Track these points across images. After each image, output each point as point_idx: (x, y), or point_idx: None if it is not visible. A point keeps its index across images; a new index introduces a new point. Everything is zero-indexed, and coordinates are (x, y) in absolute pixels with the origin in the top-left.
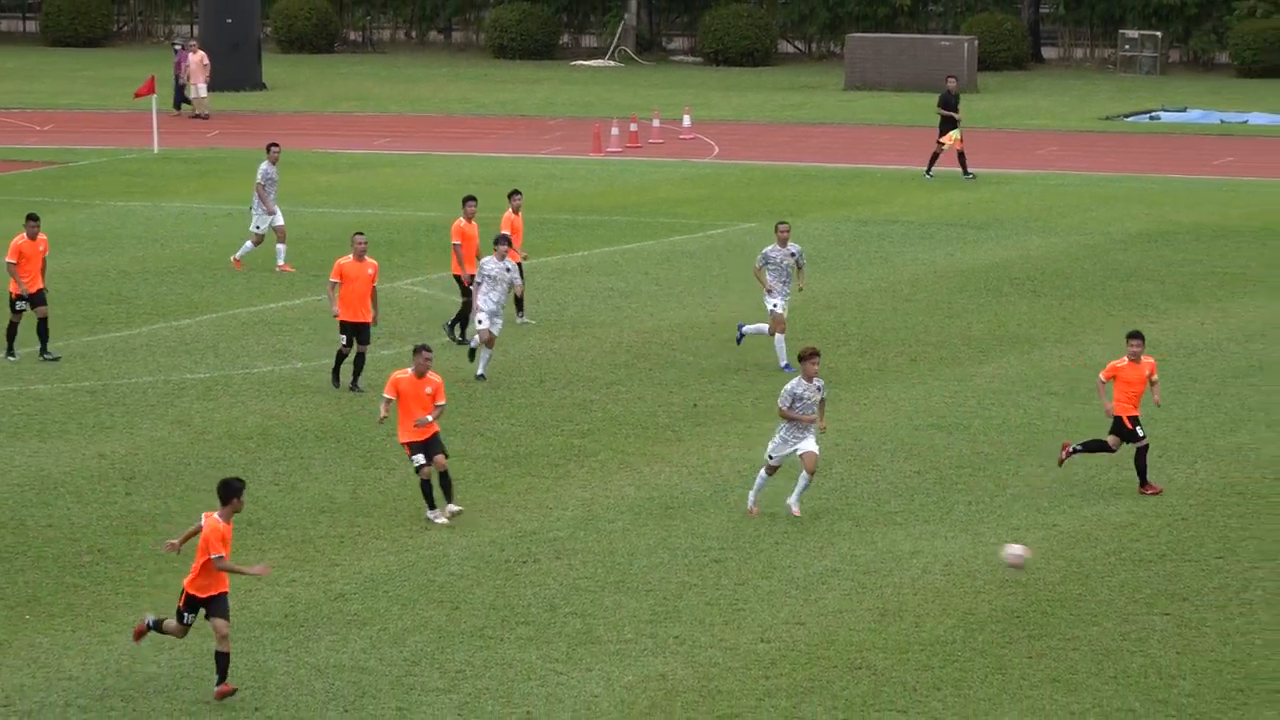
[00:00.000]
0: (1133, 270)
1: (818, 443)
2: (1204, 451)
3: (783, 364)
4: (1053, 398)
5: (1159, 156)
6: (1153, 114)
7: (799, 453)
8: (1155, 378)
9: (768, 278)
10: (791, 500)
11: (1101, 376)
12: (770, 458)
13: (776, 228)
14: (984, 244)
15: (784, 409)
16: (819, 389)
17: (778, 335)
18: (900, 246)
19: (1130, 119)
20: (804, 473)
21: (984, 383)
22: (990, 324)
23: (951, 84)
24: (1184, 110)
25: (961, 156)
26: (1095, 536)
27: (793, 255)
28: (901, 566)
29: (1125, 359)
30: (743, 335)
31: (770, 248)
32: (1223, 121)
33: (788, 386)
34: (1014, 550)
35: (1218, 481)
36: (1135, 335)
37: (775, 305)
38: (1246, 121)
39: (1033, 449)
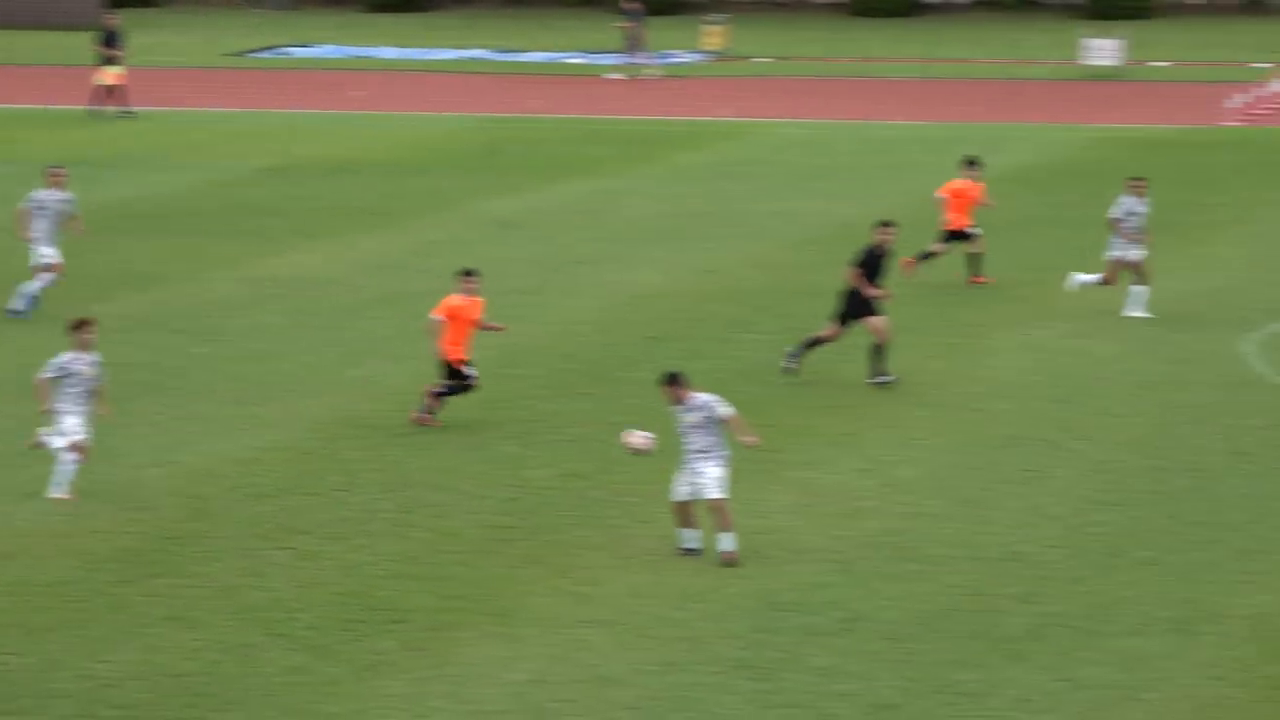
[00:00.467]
0: (259, 206)
1: None
2: (327, 385)
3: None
4: (177, 335)
5: (286, 92)
6: (282, 49)
7: None
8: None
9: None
10: None
11: (435, 315)
12: None
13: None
14: (108, 183)
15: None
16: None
17: None
18: (20, 187)
19: (258, 54)
20: None
21: (108, 322)
22: (114, 262)
23: (113, 21)
24: (313, 46)
25: (118, 92)
26: (217, 472)
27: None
28: (20, 508)
29: (460, 296)
30: None
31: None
32: (353, 57)
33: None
34: (636, 442)
35: (341, 414)
36: (469, 273)
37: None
38: (374, 57)
39: (155, 387)
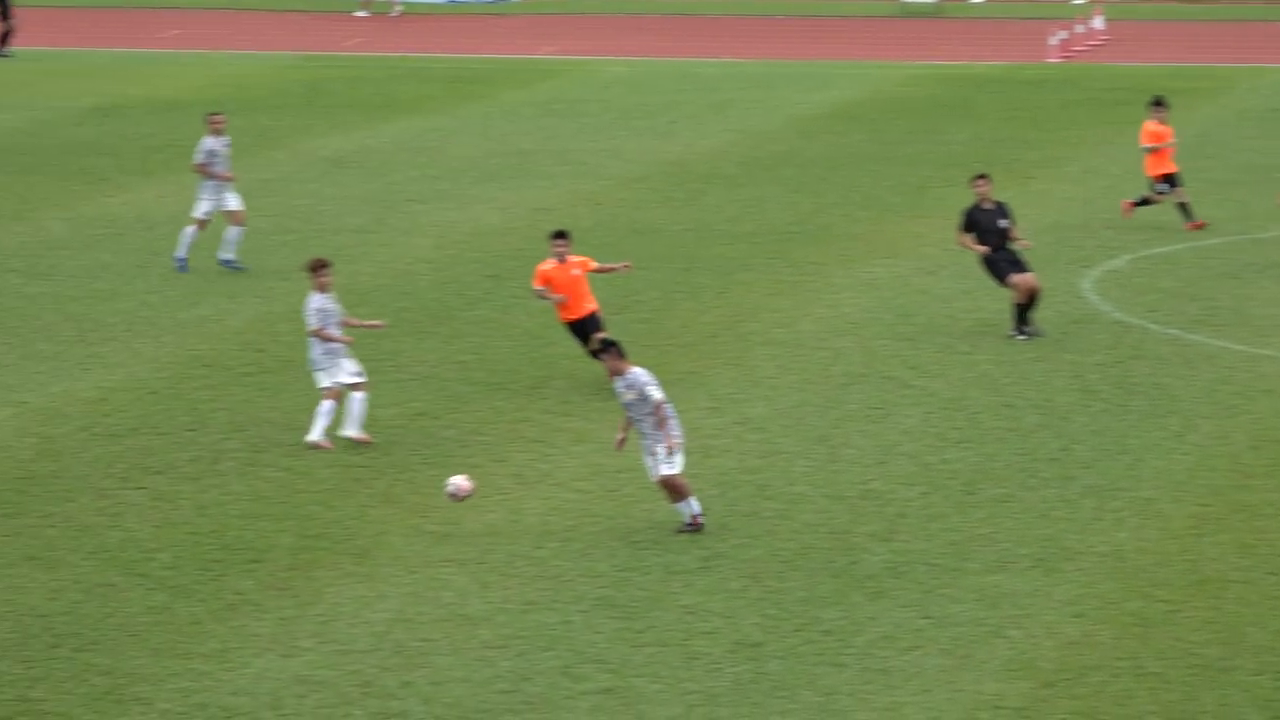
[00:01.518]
0: (89, 145)
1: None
2: (169, 324)
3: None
4: (13, 274)
5: (103, 30)
6: None
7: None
8: (594, 267)
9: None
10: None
11: (536, 285)
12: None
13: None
14: None
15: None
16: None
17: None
18: None
19: None
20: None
21: None
22: None
23: None
24: None
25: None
26: (65, 413)
27: (227, 146)
28: None
29: (552, 261)
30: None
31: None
32: None
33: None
34: (456, 487)
35: (185, 354)
36: (561, 235)
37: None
38: None
39: None
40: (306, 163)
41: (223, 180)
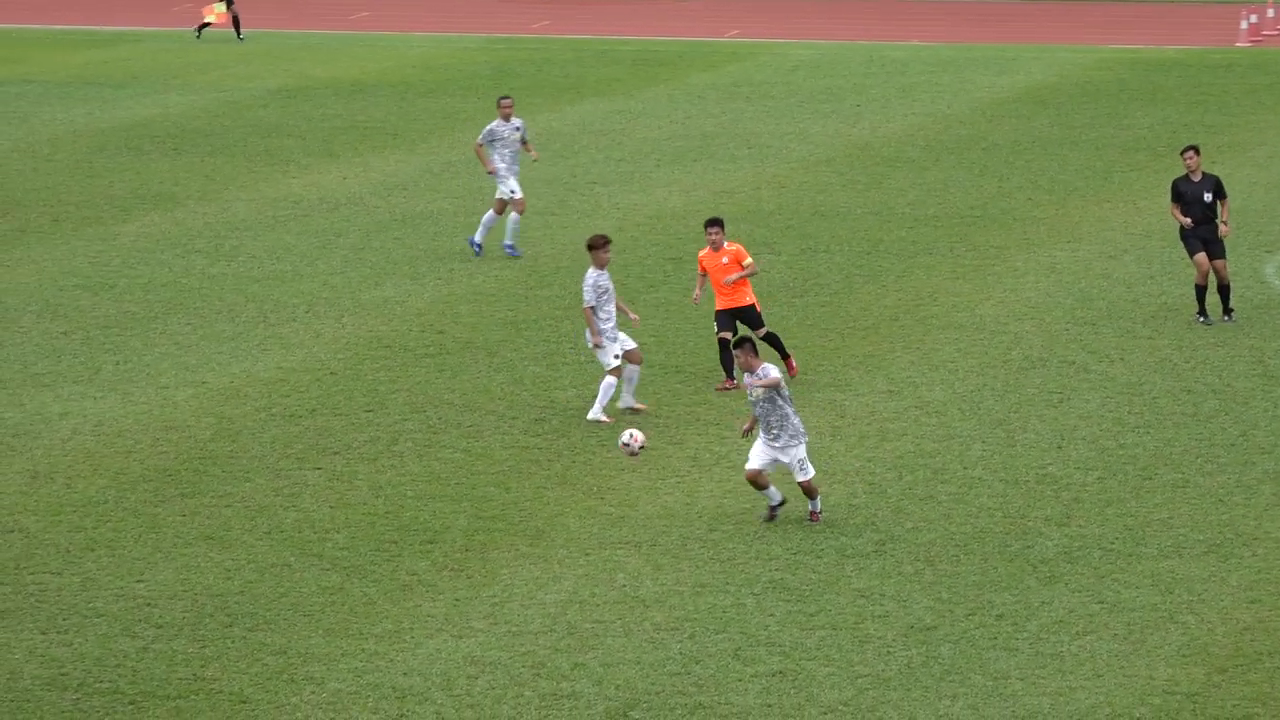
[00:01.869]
0: (274, 126)
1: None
2: (350, 306)
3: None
4: (198, 255)
5: (291, 12)
6: None
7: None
8: (746, 262)
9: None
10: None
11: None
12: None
13: (500, 101)
14: (123, 102)
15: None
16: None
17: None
18: (38, 106)
19: None
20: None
21: (128, 241)
22: (132, 183)
23: None
24: None
25: (236, 20)
26: (245, 393)
27: (518, 130)
28: (51, 428)
29: (706, 248)
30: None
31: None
32: None
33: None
34: (630, 436)
35: (365, 335)
36: (714, 222)
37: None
38: None
39: (179, 306)
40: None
41: (513, 164)
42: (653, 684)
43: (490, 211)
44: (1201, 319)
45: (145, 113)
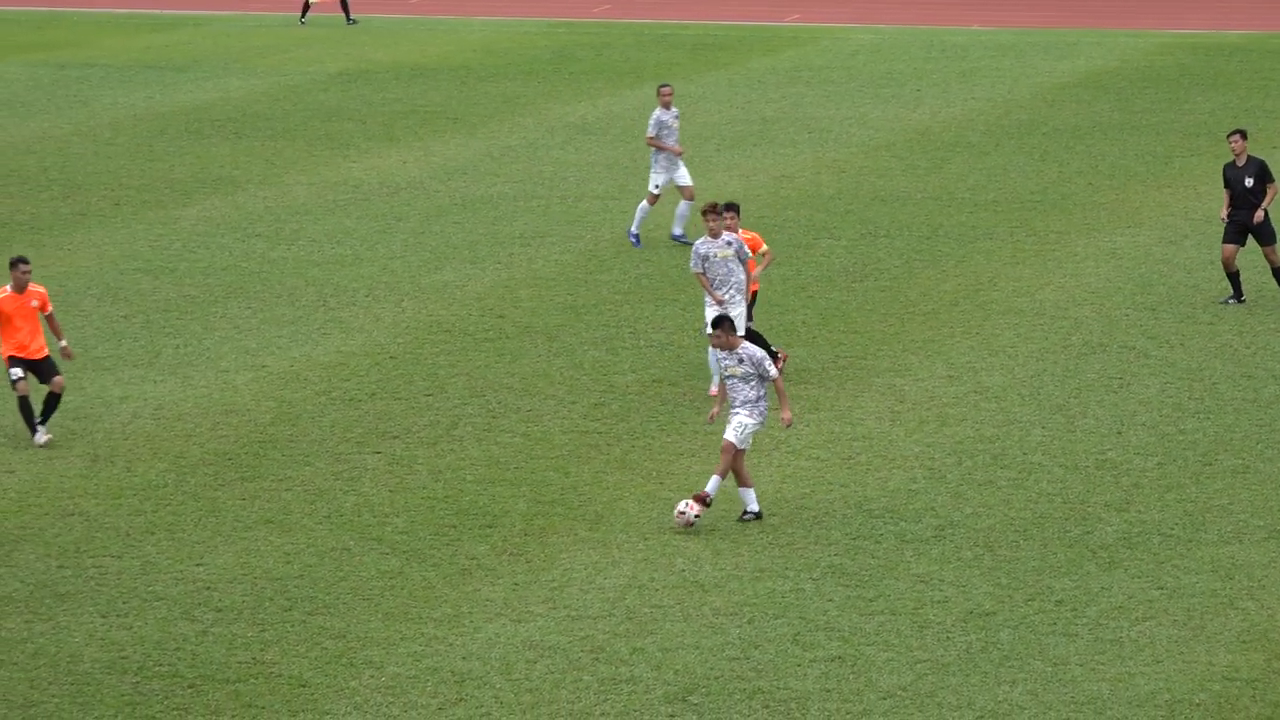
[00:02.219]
0: (334, 110)
1: None
2: (410, 290)
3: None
4: (258, 239)
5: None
6: None
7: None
8: (764, 249)
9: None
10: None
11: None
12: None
13: (660, 90)
14: (184, 86)
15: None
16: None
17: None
18: (99, 90)
19: None
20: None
21: (189, 225)
22: (193, 167)
23: None
24: None
25: (344, 3)
26: (305, 377)
27: (677, 118)
28: (111, 411)
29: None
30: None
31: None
32: None
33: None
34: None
35: (425, 319)
36: (729, 207)
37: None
38: None
39: (239, 290)
40: (552, 129)
41: (673, 153)
42: (711, 669)
43: (644, 203)
44: (1231, 300)
45: (206, 96)
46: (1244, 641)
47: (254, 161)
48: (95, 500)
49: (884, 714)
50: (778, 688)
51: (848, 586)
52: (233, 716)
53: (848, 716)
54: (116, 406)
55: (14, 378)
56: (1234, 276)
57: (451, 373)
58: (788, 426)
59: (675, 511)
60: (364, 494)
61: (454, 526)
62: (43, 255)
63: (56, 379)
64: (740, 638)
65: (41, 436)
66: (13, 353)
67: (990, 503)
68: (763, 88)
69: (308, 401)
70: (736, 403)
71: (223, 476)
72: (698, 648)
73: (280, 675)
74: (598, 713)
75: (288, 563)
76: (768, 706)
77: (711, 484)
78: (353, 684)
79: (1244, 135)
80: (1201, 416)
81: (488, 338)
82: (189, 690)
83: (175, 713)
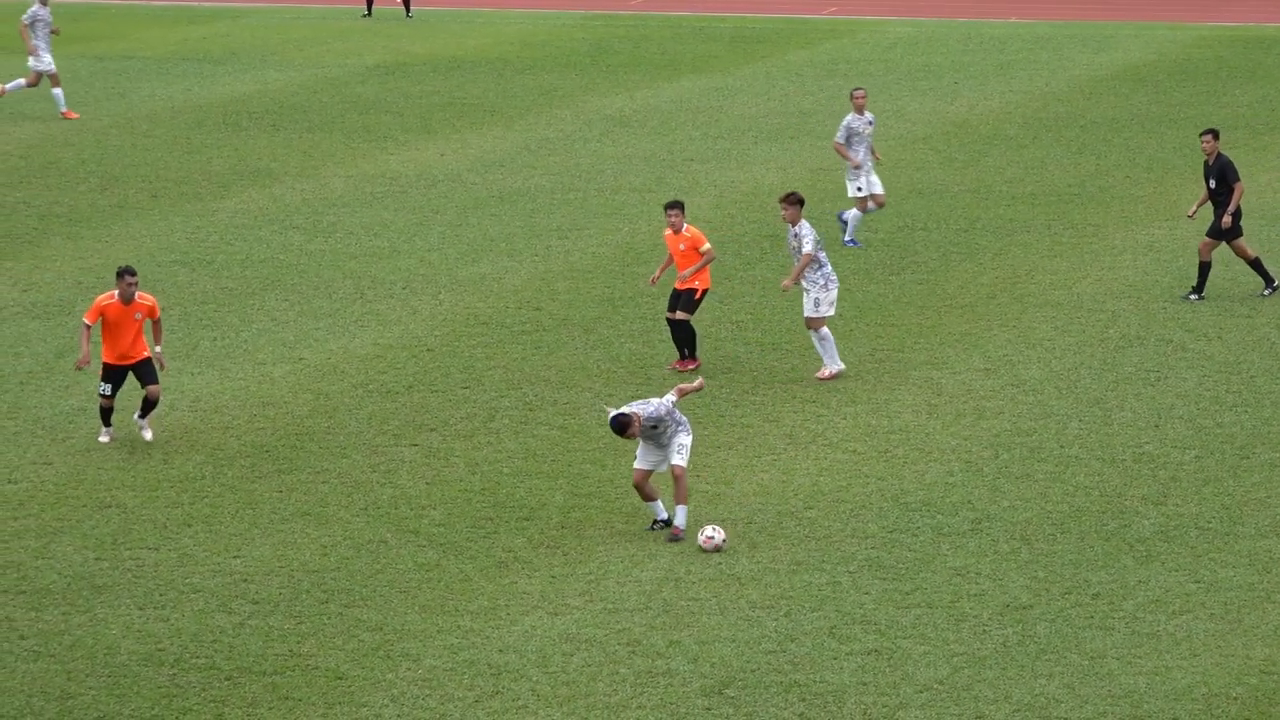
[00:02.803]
0: (371, 103)
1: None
2: (447, 282)
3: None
4: (295, 231)
5: None
6: None
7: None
8: (704, 248)
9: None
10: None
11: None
12: None
13: (853, 93)
14: (222, 78)
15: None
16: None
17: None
18: (137, 82)
19: None
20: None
21: (226, 218)
22: (230, 159)
23: None
24: None
25: None
26: (342, 369)
27: (870, 124)
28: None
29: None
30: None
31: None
32: None
33: None
34: (712, 538)
35: (462, 312)
36: (673, 205)
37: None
38: None
39: (276, 283)
40: (589, 121)
41: (851, 165)
42: (748, 662)
43: (854, 210)
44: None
45: (244, 89)
46: None
47: (291, 154)
48: (132, 492)
49: (920, 707)
50: (814, 681)
51: (884, 580)
52: (269, 709)
53: (884, 710)
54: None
55: (102, 392)
56: (1203, 269)
57: (488, 365)
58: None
59: (704, 538)
60: (401, 486)
61: (491, 519)
62: (80, 247)
63: (153, 388)
64: (777, 631)
65: (146, 432)
66: (112, 360)
67: (1027, 496)
68: (800, 80)
69: (345, 394)
70: (666, 438)
71: (260, 469)
72: (734, 641)
73: (317, 668)
74: (634, 705)
75: (324, 555)
76: (804, 700)
77: (680, 517)
78: (389, 676)
79: (1215, 135)
80: (1239, 410)
81: (524, 330)
82: (226, 682)
83: (212, 705)
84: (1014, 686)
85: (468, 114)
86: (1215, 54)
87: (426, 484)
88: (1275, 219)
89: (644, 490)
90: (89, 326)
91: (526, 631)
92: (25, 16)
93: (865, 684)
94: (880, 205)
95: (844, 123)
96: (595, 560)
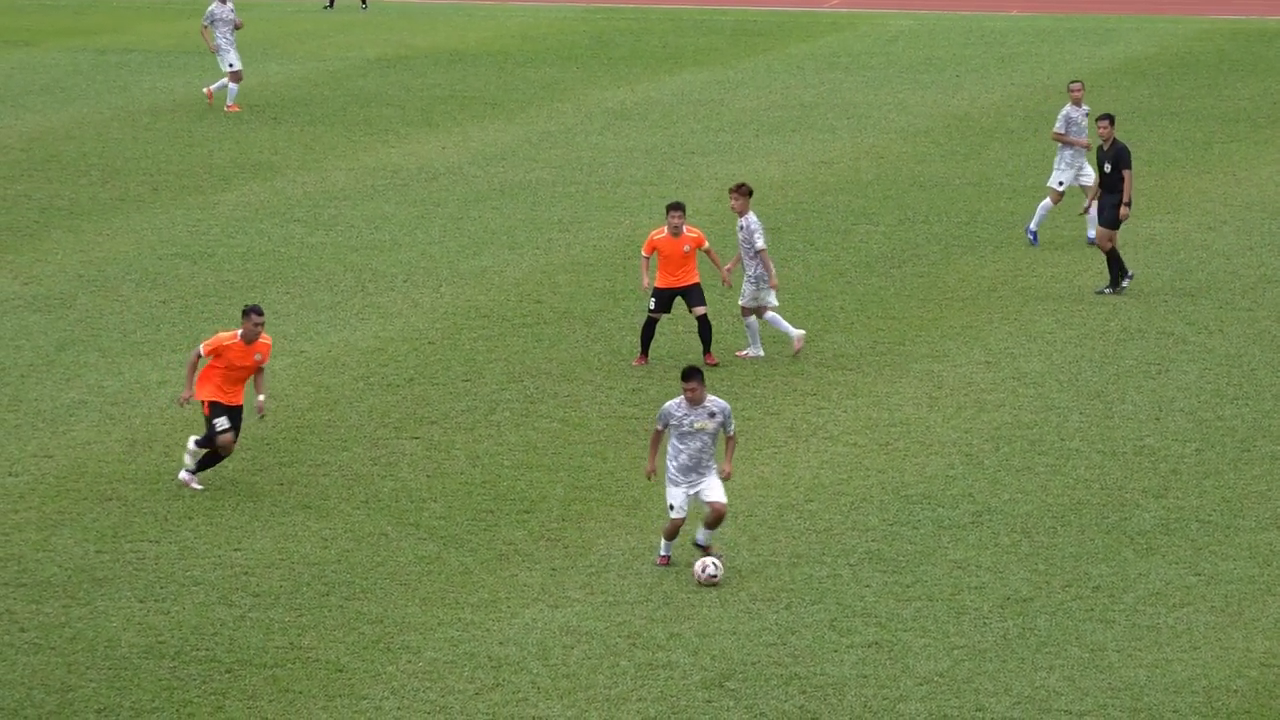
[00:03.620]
0: (373, 96)
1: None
2: (448, 275)
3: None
4: (296, 224)
5: None
6: None
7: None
8: (707, 247)
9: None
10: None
11: (643, 252)
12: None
13: (1069, 86)
14: (221, 72)
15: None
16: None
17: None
18: (139, 75)
19: None
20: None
21: (227, 211)
22: (232, 152)
23: None
24: None
25: None
26: (343, 362)
27: (1086, 115)
28: (150, 396)
29: (664, 231)
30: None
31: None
32: None
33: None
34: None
35: (463, 305)
36: (676, 206)
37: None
38: None
39: (277, 276)
40: (590, 114)
41: (1080, 149)
42: (748, 654)
43: (1048, 200)
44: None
45: (245, 82)
46: None
47: (293, 147)
48: (133, 485)
49: (920, 700)
50: (814, 673)
51: (885, 572)
52: (270, 701)
53: (884, 702)
54: (155, 391)
55: (219, 428)
56: (1112, 257)
57: (489, 358)
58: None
59: (705, 575)
60: (401, 479)
61: (491, 512)
62: (82, 240)
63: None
64: (777, 623)
65: (190, 479)
66: (216, 398)
67: (1028, 489)
68: (802, 73)
69: (345, 387)
70: (705, 461)
71: (260, 461)
72: (735, 633)
73: (317, 660)
74: (634, 698)
75: (325, 548)
76: (804, 692)
77: (701, 534)
78: (390, 669)
79: (1112, 120)
80: (1240, 403)
81: (526, 323)
82: (226, 675)
83: (212, 697)
84: (1014, 679)
85: (469, 107)
86: (1216, 47)
87: (427, 477)
88: (1277, 212)
89: (673, 532)
90: (199, 358)
91: (527, 624)
92: (204, 17)
93: (866, 676)
94: (1056, 202)
95: (1062, 113)
96: (596, 553)
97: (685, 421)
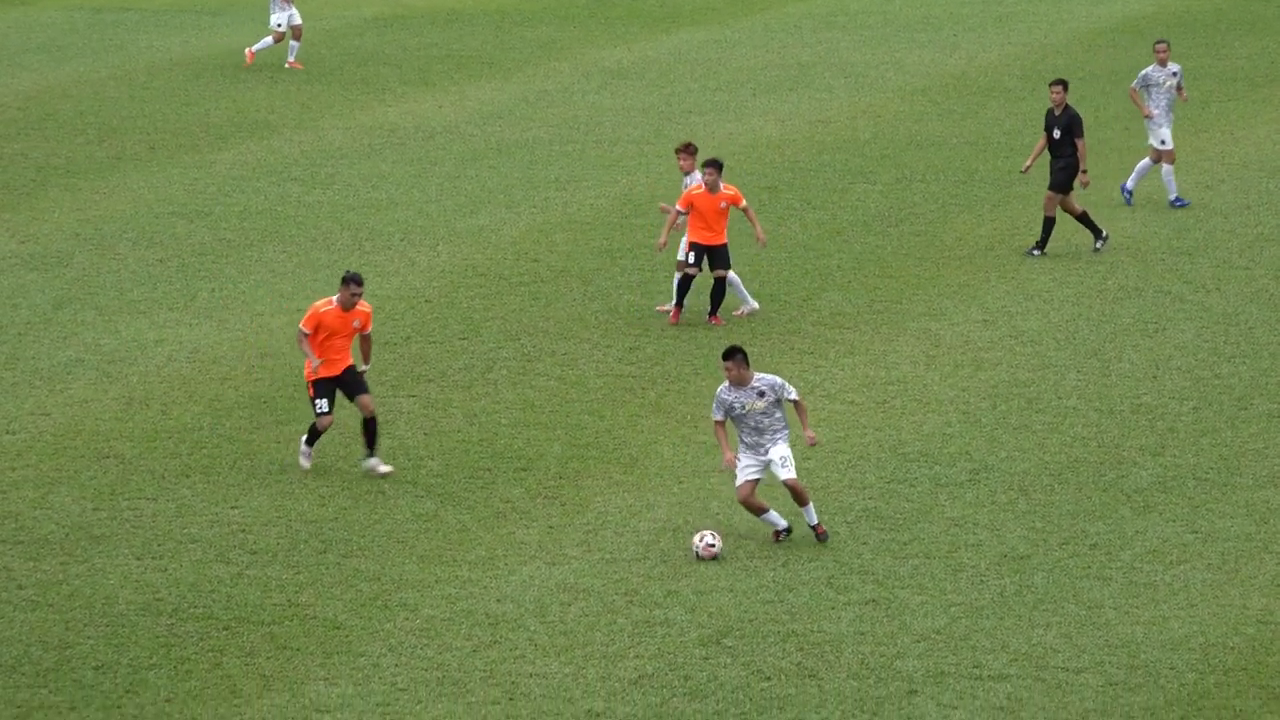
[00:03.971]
0: (370, 55)
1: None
2: (445, 234)
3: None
4: (293, 183)
5: None
6: None
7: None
8: (744, 205)
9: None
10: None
11: (678, 205)
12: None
13: (1155, 46)
14: (219, 30)
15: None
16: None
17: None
18: (135, 34)
19: None
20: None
21: (224, 169)
22: (228, 110)
23: None
24: None
25: None
26: None
27: (1174, 75)
28: (147, 355)
29: (702, 186)
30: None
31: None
32: None
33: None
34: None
35: (459, 263)
36: (713, 163)
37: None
38: None
39: (274, 234)
40: (587, 73)
41: (1144, 114)
42: (746, 611)
43: (1145, 159)
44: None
45: (242, 40)
46: (1278, 585)
47: (289, 106)
48: (131, 443)
49: (918, 657)
50: (812, 630)
51: (882, 530)
52: (267, 658)
53: (881, 659)
54: (152, 350)
55: (320, 410)
56: (1052, 224)
57: (486, 316)
58: (812, 446)
59: (704, 546)
60: (399, 437)
61: (488, 469)
62: (78, 199)
63: (364, 398)
64: (774, 581)
65: (381, 467)
66: (326, 373)
67: (1025, 447)
68: (799, 32)
69: None
70: (769, 432)
71: (258, 420)
72: (732, 591)
73: (315, 617)
74: (632, 655)
75: (322, 506)
76: (801, 649)
77: (809, 515)
78: (387, 626)
79: (1065, 86)
80: (1237, 361)
81: (523, 282)
82: (224, 632)
83: (210, 654)
84: (1011, 636)
85: (466, 66)
86: (1214, 6)
87: (424, 434)
88: (1275, 171)
89: (753, 505)
90: (303, 335)
91: (524, 581)
92: None
93: (863, 633)
94: (1170, 163)
95: (1142, 72)
96: (593, 510)
97: (737, 405)
